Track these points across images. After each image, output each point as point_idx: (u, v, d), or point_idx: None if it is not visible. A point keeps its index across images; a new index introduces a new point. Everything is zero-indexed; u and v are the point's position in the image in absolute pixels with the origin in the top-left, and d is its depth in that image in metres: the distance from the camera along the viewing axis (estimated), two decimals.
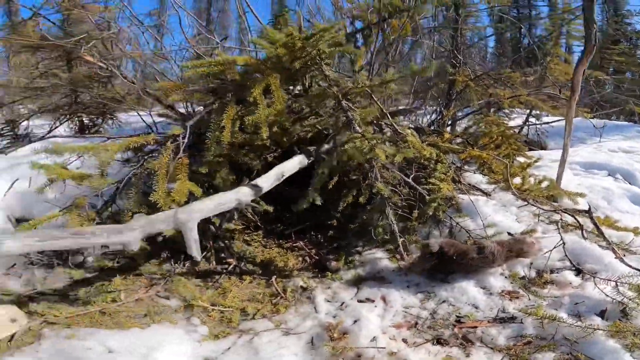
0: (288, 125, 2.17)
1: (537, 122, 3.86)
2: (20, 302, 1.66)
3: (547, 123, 3.88)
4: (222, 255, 2.35)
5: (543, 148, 4.01)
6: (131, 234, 1.35)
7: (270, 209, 2.51)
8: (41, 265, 1.95)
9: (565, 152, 2.43)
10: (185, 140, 2.00)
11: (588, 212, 2.01)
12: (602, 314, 1.55)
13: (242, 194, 1.97)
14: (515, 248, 1.88)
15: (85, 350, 1.42)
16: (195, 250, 1.60)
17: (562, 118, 3.23)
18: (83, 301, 1.76)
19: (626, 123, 5.57)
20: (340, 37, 2.17)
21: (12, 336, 1.47)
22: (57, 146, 1.50)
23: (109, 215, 1.98)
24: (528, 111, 3.60)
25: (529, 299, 1.70)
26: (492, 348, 1.48)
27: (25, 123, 3.38)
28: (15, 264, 1.92)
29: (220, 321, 1.79)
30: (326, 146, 2.39)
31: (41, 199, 2.05)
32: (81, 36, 2.62)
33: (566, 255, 1.86)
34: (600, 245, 1.95)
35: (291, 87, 2.71)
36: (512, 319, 1.61)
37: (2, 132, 3.31)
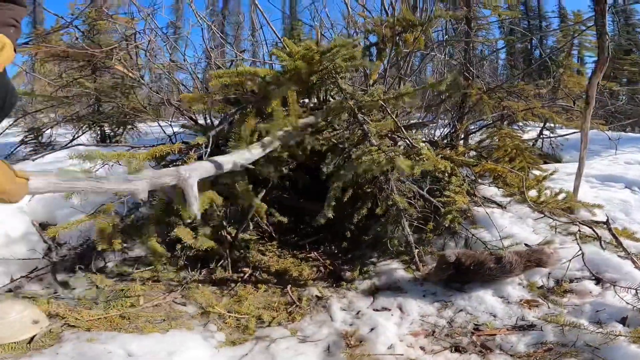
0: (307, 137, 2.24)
1: (552, 135, 3.87)
2: (41, 304, 1.71)
3: (562, 136, 3.89)
4: (238, 264, 2.39)
5: (558, 161, 3.99)
6: (140, 183, 1.41)
7: (285, 219, 2.57)
8: (63, 269, 2.01)
9: (582, 165, 2.44)
10: (208, 149, 2.07)
11: (606, 224, 2.01)
12: (623, 321, 1.54)
13: (237, 158, 1.98)
14: (534, 258, 1.88)
15: (107, 353, 1.45)
16: (195, 207, 1.63)
17: (577, 130, 3.23)
18: (103, 305, 1.81)
19: None
20: (357, 53, 2.25)
21: (32, 338, 1.51)
22: (89, 153, 1.58)
23: (131, 222, 2.04)
24: (542, 124, 3.61)
25: (549, 307, 1.70)
26: (512, 355, 1.47)
27: (48, 131, 3.52)
28: (37, 267, 1.98)
29: (236, 328, 1.81)
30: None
31: (65, 205, 2.13)
32: (114, 45, 2.75)
33: (585, 265, 1.85)
34: (619, 256, 1.94)
35: (306, 100, 2.79)
36: (532, 326, 1.60)
37: (26, 139, 3.45)
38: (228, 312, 1.90)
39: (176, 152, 2.08)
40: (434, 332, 1.67)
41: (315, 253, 2.60)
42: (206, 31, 2.99)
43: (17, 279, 1.89)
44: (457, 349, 1.55)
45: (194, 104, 2.19)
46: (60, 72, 3.26)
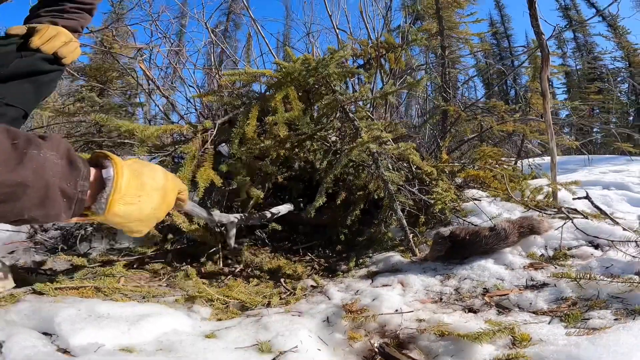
0: (307, 129, 2.15)
1: (529, 156, 3.87)
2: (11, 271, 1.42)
3: (539, 155, 3.90)
4: (229, 261, 2.15)
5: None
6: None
7: (279, 227, 2.38)
8: (44, 251, 1.75)
9: (553, 156, 2.38)
10: (214, 134, 1.97)
11: (587, 198, 1.89)
12: (638, 274, 1.34)
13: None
14: (526, 224, 1.70)
15: (67, 312, 1.13)
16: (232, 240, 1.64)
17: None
18: (79, 281, 1.53)
19: (615, 156, 5.57)
20: (348, 54, 2.28)
21: None
22: (109, 120, 1.48)
23: None
24: (520, 142, 3.62)
25: (555, 268, 1.49)
26: (534, 312, 1.23)
27: None
28: (15, 250, 1.72)
29: (224, 310, 1.54)
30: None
31: None
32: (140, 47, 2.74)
33: (579, 230, 1.68)
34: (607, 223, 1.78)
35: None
36: (545, 285, 1.38)
37: None
38: (217, 295, 1.63)
39: (185, 132, 1.97)
40: (441, 299, 1.44)
41: (310, 255, 2.36)
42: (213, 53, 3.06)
43: None
44: (471, 310, 1.31)
45: (208, 97, 2.17)
46: (69, 91, 3.22)
